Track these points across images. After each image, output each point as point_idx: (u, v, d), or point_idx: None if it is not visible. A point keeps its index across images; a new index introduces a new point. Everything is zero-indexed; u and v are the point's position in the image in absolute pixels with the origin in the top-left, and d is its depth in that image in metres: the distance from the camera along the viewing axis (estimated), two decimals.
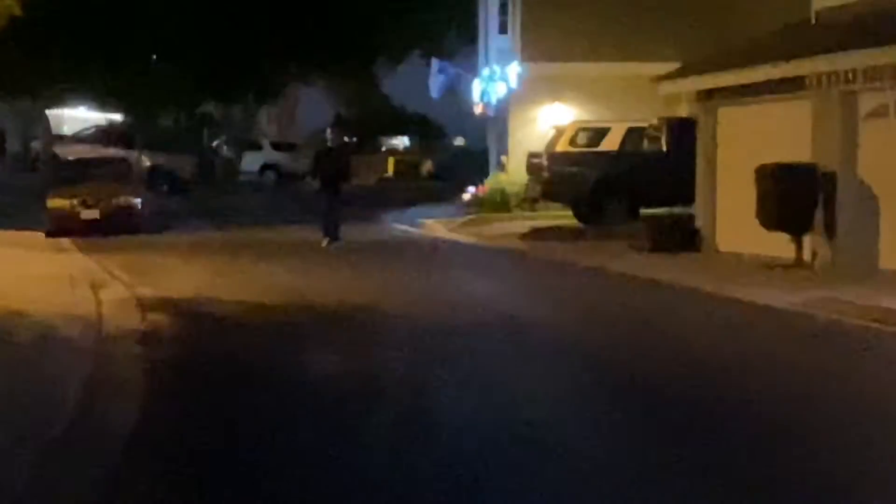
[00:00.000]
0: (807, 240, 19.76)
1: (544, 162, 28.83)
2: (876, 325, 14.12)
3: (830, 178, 19.49)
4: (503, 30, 37.43)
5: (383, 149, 64.64)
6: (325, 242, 24.33)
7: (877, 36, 18.42)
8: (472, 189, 36.04)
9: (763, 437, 9.01)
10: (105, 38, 45.28)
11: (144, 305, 16.10)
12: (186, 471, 8.25)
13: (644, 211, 26.60)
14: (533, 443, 8.84)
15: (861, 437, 8.97)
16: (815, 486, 7.79)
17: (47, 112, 49.77)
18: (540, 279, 20.59)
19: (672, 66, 25.81)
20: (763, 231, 20.01)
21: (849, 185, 19.35)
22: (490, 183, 34.74)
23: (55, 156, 42.61)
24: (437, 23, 53.39)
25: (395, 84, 63.07)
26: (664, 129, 27.64)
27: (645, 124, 28.40)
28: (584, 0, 33.47)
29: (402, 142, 67.31)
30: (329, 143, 25.28)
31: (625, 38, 33.09)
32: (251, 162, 55.95)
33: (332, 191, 24.57)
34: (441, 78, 43.18)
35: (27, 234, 28.24)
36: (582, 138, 28.96)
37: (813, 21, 21.82)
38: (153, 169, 41.95)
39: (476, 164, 44.54)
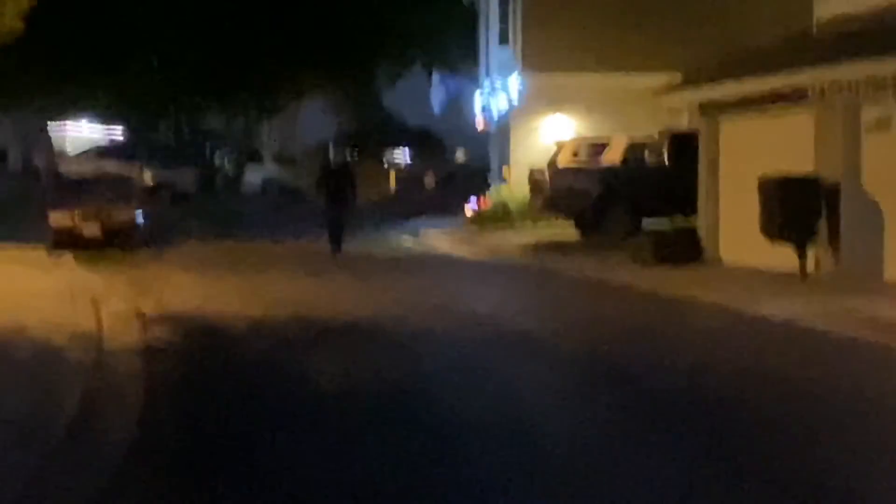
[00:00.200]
0: (810, 251, 19.68)
1: (546, 176, 28.75)
2: (881, 336, 14.02)
3: (834, 189, 19.43)
4: (504, 40, 37.33)
5: (384, 162, 64.58)
6: (336, 255, 24.28)
7: (880, 46, 18.34)
8: (474, 202, 35.96)
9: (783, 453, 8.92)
10: (106, 53, 45.25)
11: (145, 320, 16.05)
12: (186, 486, 8.17)
13: (646, 223, 26.53)
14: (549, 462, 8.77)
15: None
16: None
17: (49, 127, 49.76)
18: (545, 293, 20.49)
19: (673, 76, 25.76)
20: (766, 242, 19.94)
21: (852, 196, 19.28)
22: (492, 196, 34.66)
23: (57, 171, 42.61)
24: (438, 36, 53.34)
25: (396, 97, 62.97)
26: (666, 142, 27.56)
27: (647, 137, 28.32)
28: (584, 10, 33.40)
29: (403, 155, 67.25)
30: (332, 159, 25.26)
31: (626, 48, 33.02)
32: (253, 176, 55.88)
33: (339, 206, 24.51)
34: (442, 91, 43.16)
35: (29, 249, 28.15)
36: (584, 152, 28.88)
37: (815, 31, 21.76)
38: (154, 183, 41.90)
39: (477, 177, 44.45)
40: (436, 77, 43.96)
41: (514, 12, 35.78)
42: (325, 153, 26.14)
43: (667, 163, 27.44)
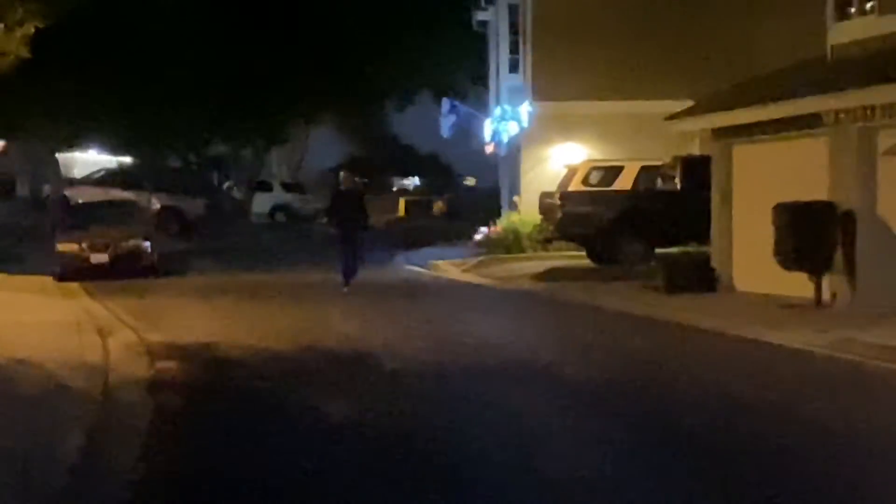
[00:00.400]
0: (826, 279, 19.44)
1: (557, 202, 28.55)
2: None
3: (849, 217, 19.21)
4: (514, 69, 37.24)
5: (394, 189, 64.57)
6: (345, 289, 23.82)
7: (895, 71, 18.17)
8: (484, 229, 35.79)
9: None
10: (114, 81, 45.15)
11: (152, 352, 15.85)
12: None
13: (659, 251, 26.32)
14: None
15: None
16: None
17: (57, 155, 49.70)
18: (558, 322, 20.19)
19: (684, 103, 25.58)
20: (781, 270, 19.73)
21: (868, 224, 19.07)
22: (502, 223, 34.48)
23: (65, 199, 42.51)
24: (448, 63, 53.29)
25: (405, 124, 63.09)
26: (678, 168, 27.38)
27: (658, 163, 28.14)
28: (594, 38, 33.27)
29: (412, 182, 67.25)
30: (341, 186, 24.81)
31: (636, 76, 32.89)
32: (261, 203, 55.81)
33: (350, 234, 24.04)
34: (452, 118, 43.03)
35: (36, 278, 28.05)
36: (595, 177, 28.68)
37: (829, 57, 21.56)
38: (163, 211, 41.76)
39: (487, 204, 44.33)
40: (445, 104, 43.80)
41: (525, 41, 35.67)
42: (335, 179, 25.66)
43: (679, 188, 27.25)
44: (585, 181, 28.71)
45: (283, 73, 49.84)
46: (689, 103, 25.13)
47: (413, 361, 15.03)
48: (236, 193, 57.64)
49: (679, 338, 17.37)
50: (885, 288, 18.61)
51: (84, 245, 29.03)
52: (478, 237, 35.98)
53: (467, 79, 53.21)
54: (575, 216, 28.13)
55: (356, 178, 25.17)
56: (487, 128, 40.84)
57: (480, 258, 32.06)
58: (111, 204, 34.60)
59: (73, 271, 28.24)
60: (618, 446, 10.23)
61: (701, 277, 22.57)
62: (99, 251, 28.98)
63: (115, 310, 21.25)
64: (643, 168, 28.30)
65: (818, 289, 19.37)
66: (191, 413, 12.08)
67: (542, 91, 34.05)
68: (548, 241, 30.47)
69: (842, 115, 19.15)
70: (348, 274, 23.94)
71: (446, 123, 43.60)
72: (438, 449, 10.17)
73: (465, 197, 59.97)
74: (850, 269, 19.27)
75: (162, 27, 44.93)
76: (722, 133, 22.85)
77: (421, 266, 31.86)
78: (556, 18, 33.73)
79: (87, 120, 47.09)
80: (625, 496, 8.59)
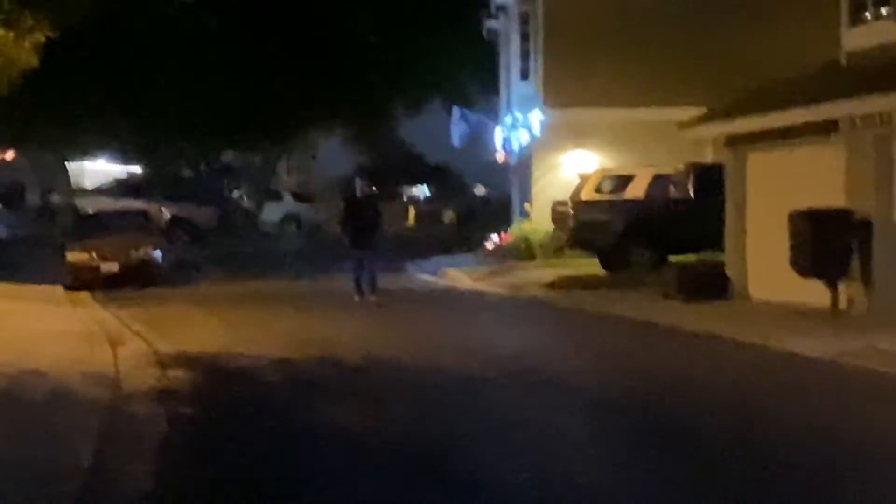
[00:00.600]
0: (842, 287, 19.28)
1: (569, 210, 28.37)
2: None
3: (866, 224, 19.05)
4: (525, 76, 37.07)
5: (404, 198, 64.47)
6: (357, 297, 23.57)
7: None
8: (494, 238, 35.63)
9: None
10: (124, 90, 45.12)
11: (164, 361, 15.71)
12: None
13: (672, 259, 26.15)
14: None
15: None
16: None
17: (67, 164, 49.66)
18: (574, 331, 19.94)
19: (697, 110, 25.43)
20: (796, 278, 19.56)
21: (885, 231, 18.89)
22: (514, 231, 34.32)
23: (75, 208, 42.47)
24: (458, 71, 53.18)
25: (416, 132, 62.88)
26: (691, 175, 27.20)
27: (671, 170, 27.96)
28: (606, 45, 33.12)
29: (422, 191, 67.14)
30: (357, 194, 24.42)
31: (648, 82, 32.73)
32: (271, 212, 55.71)
33: (364, 244, 23.68)
34: (462, 126, 42.88)
35: (46, 287, 27.94)
36: (607, 185, 28.52)
37: (843, 63, 21.40)
38: (173, 220, 41.69)
39: (498, 212, 44.17)
40: (456, 112, 43.67)
41: (535, 49, 35.53)
42: (350, 187, 25.24)
43: (692, 196, 27.08)
44: (598, 189, 28.54)
45: (293, 83, 49.76)
46: (703, 110, 24.96)
47: (427, 371, 14.89)
48: (246, 203, 57.57)
49: (698, 347, 17.18)
50: None
51: (94, 254, 28.94)
52: (488, 245, 35.83)
53: (477, 87, 53.05)
54: (587, 224, 27.97)
55: (371, 186, 24.77)
56: (498, 136, 40.69)
57: (492, 266, 31.89)
58: (121, 213, 34.55)
59: (83, 281, 28.14)
60: (642, 457, 10.08)
61: (715, 285, 22.42)
62: (109, 261, 28.88)
63: (126, 319, 21.13)
64: (656, 176, 28.11)
65: (834, 296, 19.21)
66: (203, 424, 11.94)
67: (553, 98, 33.89)
68: (560, 249, 30.28)
69: (858, 122, 18.98)
70: (361, 284, 23.65)
71: (456, 132, 43.46)
72: (460, 461, 10.03)
73: (475, 205, 59.85)
74: (867, 276, 19.10)
75: (173, 37, 44.89)
76: (736, 140, 22.68)
77: (432, 274, 31.72)
78: (567, 25, 33.58)
79: (96, 129, 47.03)
80: None
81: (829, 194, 19.56)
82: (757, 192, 22.36)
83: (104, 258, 28.89)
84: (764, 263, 21.67)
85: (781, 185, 21.35)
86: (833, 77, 21.14)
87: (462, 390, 13.62)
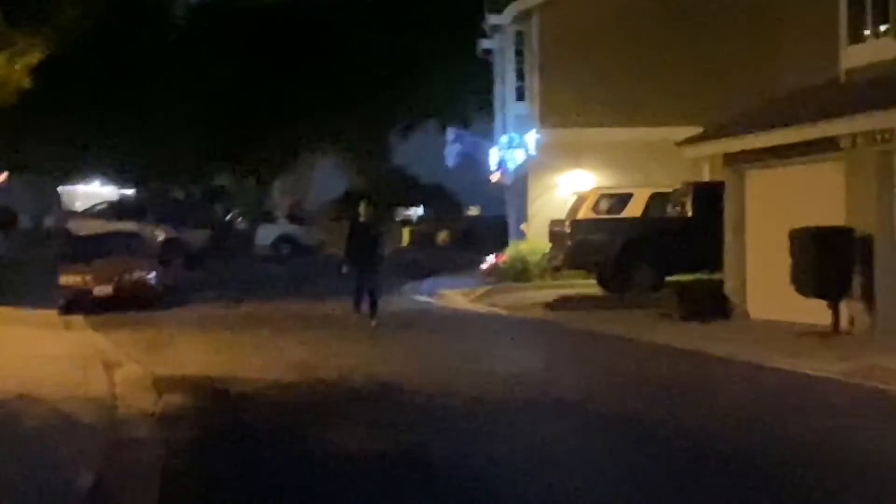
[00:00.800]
0: (843, 306, 19.11)
1: (567, 230, 28.22)
2: None
3: (867, 242, 18.91)
4: (520, 96, 36.93)
5: (397, 219, 64.27)
6: (355, 315, 23.26)
7: None
8: (490, 258, 35.43)
9: None
10: (118, 112, 45.04)
11: (160, 385, 15.48)
12: None
13: (670, 278, 25.98)
14: None
15: None
16: None
17: (60, 187, 49.48)
18: (576, 352, 19.70)
19: (694, 129, 25.29)
20: (796, 297, 19.42)
21: (886, 249, 18.76)
22: (510, 251, 34.13)
23: (67, 231, 42.22)
24: (453, 92, 53.09)
25: (410, 154, 62.76)
26: (689, 194, 27.05)
27: (669, 189, 27.81)
28: (603, 65, 33.01)
29: (416, 212, 66.96)
30: (361, 218, 24.10)
31: (645, 102, 32.63)
32: (265, 234, 55.47)
33: (367, 266, 23.35)
34: (457, 146, 42.75)
35: (39, 311, 27.70)
36: (605, 205, 28.37)
37: (842, 80, 21.27)
38: (166, 243, 41.43)
39: (492, 233, 43.97)
40: (450, 132, 43.55)
41: (531, 68, 35.41)
42: (354, 209, 24.81)
43: (690, 215, 26.93)
44: (595, 209, 28.40)
45: (287, 104, 49.70)
46: (700, 129, 24.82)
47: (426, 395, 14.66)
48: (240, 225, 57.37)
49: (700, 367, 17.00)
50: None
51: (88, 277, 28.69)
52: (484, 266, 35.62)
53: (473, 107, 52.96)
54: (585, 244, 27.82)
55: (373, 209, 24.44)
56: (494, 156, 40.54)
57: (489, 287, 31.70)
58: (115, 236, 34.26)
59: (77, 304, 27.91)
60: (649, 476, 9.89)
61: (714, 305, 22.29)
62: (103, 283, 28.63)
63: (121, 342, 20.92)
64: (653, 195, 27.97)
65: (836, 315, 19.05)
66: (201, 449, 11.71)
67: (549, 118, 33.76)
68: (557, 269, 30.10)
69: (859, 139, 18.84)
70: (360, 304, 23.36)
71: (452, 152, 43.33)
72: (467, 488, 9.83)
73: (470, 226, 59.65)
74: (868, 294, 18.95)
75: (165, 59, 44.83)
76: (734, 158, 22.54)
77: (429, 296, 31.50)
78: (563, 45, 33.48)
79: (90, 151, 46.92)
80: None
81: (830, 212, 19.42)
82: (756, 211, 22.22)
83: (98, 281, 28.64)
84: (763, 282, 21.53)
85: (781, 203, 21.21)
86: (833, 94, 21.01)
87: (465, 412, 13.43)
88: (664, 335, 19.99)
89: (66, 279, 28.85)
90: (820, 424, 12.30)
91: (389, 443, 11.66)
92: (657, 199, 27.87)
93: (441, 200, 67.03)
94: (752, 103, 24.75)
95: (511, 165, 38.13)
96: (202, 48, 47.86)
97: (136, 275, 29.13)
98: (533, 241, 33.09)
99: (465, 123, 50.37)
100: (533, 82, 35.17)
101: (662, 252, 26.86)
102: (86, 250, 31.38)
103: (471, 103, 52.79)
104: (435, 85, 52.57)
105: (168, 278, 31.35)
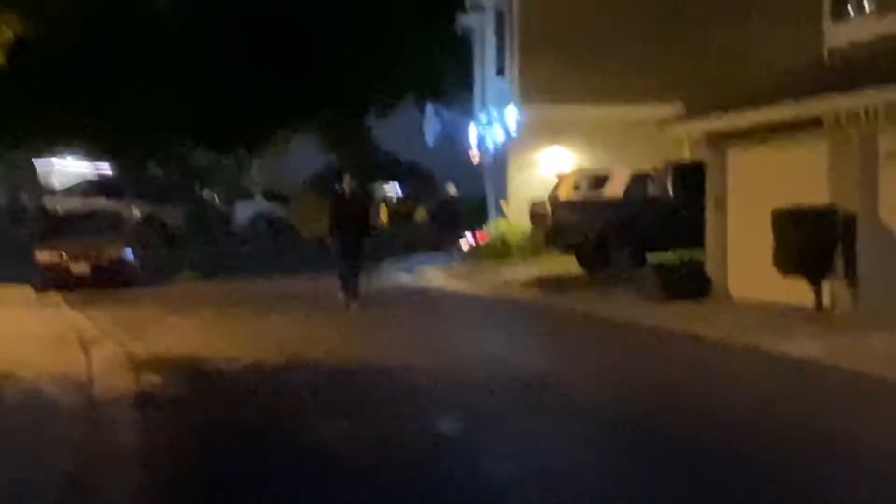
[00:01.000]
0: (826, 285, 19.01)
1: (547, 209, 28.07)
2: None
3: (850, 222, 18.79)
4: (500, 72, 36.72)
5: (375, 197, 64.02)
6: (341, 297, 22.85)
7: None
8: (470, 237, 35.29)
9: None
10: (94, 89, 44.72)
11: (137, 365, 15.29)
12: None
13: (651, 257, 25.86)
14: None
15: None
16: None
17: (35, 164, 49.11)
18: (558, 333, 19.60)
19: (675, 108, 25.19)
20: (778, 277, 19.30)
21: (870, 229, 18.65)
22: (490, 230, 34.00)
23: (44, 208, 41.96)
24: (432, 67, 52.80)
25: (388, 131, 62.50)
26: (670, 173, 26.92)
27: (650, 169, 27.67)
28: (584, 41, 32.80)
29: (393, 189, 66.73)
30: (346, 193, 23.66)
31: (627, 79, 32.46)
32: (243, 212, 55.26)
33: (352, 244, 22.93)
34: (436, 124, 42.55)
35: (15, 289, 27.53)
36: (585, 185, 28.22)
37: (826, 59, 21.16)
38: (144, 220, 41.19)
39: (470, 211, 43.82)
40: (429, 109, 43.31)
41: (511, 44, 35.19)
42: (338, 185, 24.43)
43: (671, 195, 26.80)
44: (576, 188, 28.26)
45: (264, 81, 49.41)
46: (682, 108, 24.70)
47: (408, 375, 14.52)
48: (217, 202, 57.10)
49: (683, 349, 16.88)
50: (886, 293, 18.21)
51: (64, 255, 28.50)
52: (463, 245, 35.49)
53: (451, 84, 52.67)
54: (565, 224, 27.67)
55: (356, 184, 24.08)
56: (472, 134, 40.35)
57: (469, 266, 31.58)
58: (91, 213, 34.09)
59: (54, 282, 27.73)
60: (631, 458, 9.78)
61: (695, 284, 22.17)
62: (80, 261, 28.44)
63: (98, 321, 20.71)
64: (634, 175, 27.81)
65: (818, 295, 18.94)
66: (179, 431, 11.51)
67: (529, 95, 33.56)
68: (537, 248, 29.96)
69: (842, 118, 18.71)
70: (348, 286, 22.86)
71: (430, 130, 43.12)
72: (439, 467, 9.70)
73: (447, 204, 59.46)
74: (851, 274, 18.85)
75: (145, 36, 44.52)
76: (716, 138, 22.41)
77: (408, 273, 31.35)
78: (543, 20, 33.27)
79: (66, 127, 46.58)
80: None
81: (812, 192, 19.30)
82: (738, 191, 22.10)
83: (75, 258, 28.45)
84: (745, 262, 21.42)
85: (763, 183, 21.09)
86: (816, 73, 20.91)
87: (448, 392, 13.29)
88: (644, 315, 19.89)
89: (43, 257, 28.66)
90: (800, 406, 12.20)
91: (369, 424, 11.52)
92: (638, 179, 27.71)
93: (419, 179, 66.82)
94: (734, 82, 24.63)
95: (490, 143, 37.98)
96: (178, 27, 47.55)
97: (114, 252, 28.96)
98: (513, 219, 32.96)
99: (444, 101, 50.04)
100: (513, 59, 34.97)
101: (643, 232, 26.70)
102: (63, 228, 31.19)
103: (450, 80, 52.52)
104: (414, 61, 52.28)
105: (145, 256, 31.15)
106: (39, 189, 47.50)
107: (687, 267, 23.11)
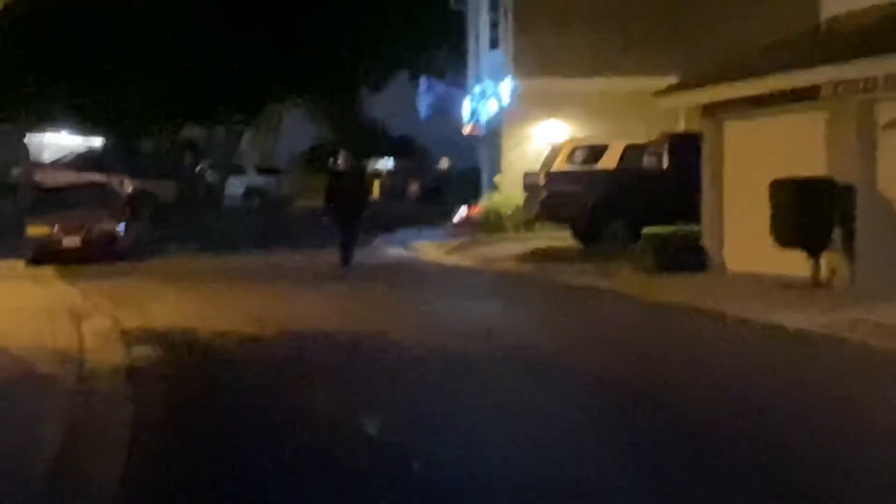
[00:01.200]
0: (824, 257, 18.87)
1: (541, 181, 27.88)
2: None
3: (848, 193, 18.63)
4: (495, 45, 36.50)
5: (368, 171, 63.88)
6: (342, 271, 22.77)
7: None
8: (463, 211, 35.13)
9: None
10: (86, 63, 44.43)
11: (129, 338, 15.14)
12: None
13: (646, 230, 25.69)
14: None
15: None
16: None
17: (27, 138, 48.86)
18: (553, 305, 19.44)
19: (671, 79, 25.00)
20: (774, 249, 19.15)
21: (868, 200, 18.50)
22: (484, 204, 33.84)
23: (35, 182, 41.75)
24: (426, 40, 52.54)
25: (381, 104, 62.33)
26: (665, 145, 26.74)
27: (645, 140, 27.49)
28: (579, 13, 32.59)
29: (386, 164, 66.59)
30: (340, 167, 23.60)
31: (622, 51, 32.26)
32: (235, 186, 55.16)
33: (349, 218, 22.85)
34: (429, 97, 42.39)
35: (6, 262, 27.39)
36: (579, 156, 28.03)
37: (823, 29, 20.97)
38: (135, 194, 40.97)
39: (463, 185, 43.70)
40: (423, 83, 43.12)
41: (506, 16, 34.96)
42: (335, 158, 24.34)
43: (666, 166, 26.62)
44: (570, 160, 28.07)
45: (256, 55, 49.13)
46: (678, 79, 24.51)
47: (404, 348, 14.39)
48: (209, 177, 56.92)
49: (681, 321, 16.76)
50: (885, 265, 18.06)
51: (55, 228, 28.36)
52: (456, 219, 35.34)
53: (445, 57, 52.43)
54: (559, 196, 27.48)
55: (350, 156, 23.94)
56: (466, 107, 40.16)
57: (462, 240, 31.44)
58: (83, 187, 33.85)
59: (45, 255, 27.62)
60: (627, 438, 9.64)
61: (691, 257, 22.03)
62: (71, 234, 28.31)
63: (89, 294, 20.56)
64: (629, 146, 27.63)
65: (816, 267, 18.81)
66: (171, 404, 11.38)
67: (524, 67, 33.34)
68: (531, 221, 29.81)
69: (840, 88, 18.49)
70: (347, 257, 22.91)
71: (423, 103, 42.96)
72: (438, 442, 9.56)
73: (440, 178, 59.34)
74: (849, 246, 18.70)
75: (133, 8, 44.19)
76: (712, 109, 22.22)
77: (401, 248, 31.21)
78: None
79: (57, 100, 46.31)
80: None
81: (810, 163, 19.16)
82: (734, 162, 21.94)
83: (66, 232, 28.32)
84: (741, 234, 21.28)
85: (760, 154, 20.94)
86: (813, 43, 20.72)
87: (443, 365, 13.15)
88: (640, 288, 19.77)
89: (33, 231, 28.53)
90: (800, 378, 12.08)
91: (362, 397, 11.38)
92: (633, 151, 27.53)
93: (412, 153, 66.69)
94: (730, 53, 24.41)
95: (484, 116, 37.79)
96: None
97: (105, 226, 28.85)
98: (507, 193, 32.79)
99: (437, 74, 49.82)
100: (508, 30, 34.74)
101: (637, 204, 26.50)
102: (54, 202, 31.01)
103: (444, 53, 52.27)
104: (407, 34, 52.01)
105: (137, 230, 31.02)
106: (31, 163, 47.28)
107: (682, 239, 22.95)
